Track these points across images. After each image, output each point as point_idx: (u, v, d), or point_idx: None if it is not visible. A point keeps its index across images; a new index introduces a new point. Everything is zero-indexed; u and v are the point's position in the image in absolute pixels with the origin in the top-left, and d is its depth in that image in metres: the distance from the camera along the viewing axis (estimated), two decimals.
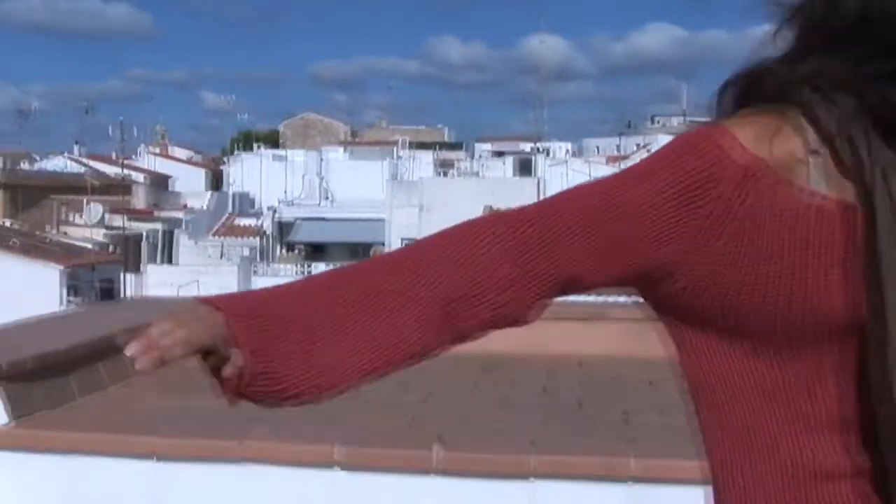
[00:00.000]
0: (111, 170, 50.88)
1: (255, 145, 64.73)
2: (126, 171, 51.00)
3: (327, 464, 3.30)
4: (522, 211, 1.15)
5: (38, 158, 61.19)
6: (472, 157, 60.24)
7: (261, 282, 40.44)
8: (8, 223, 38.99)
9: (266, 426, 3.21)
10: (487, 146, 61.79)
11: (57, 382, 3.89)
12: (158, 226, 42.89)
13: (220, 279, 37.81)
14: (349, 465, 3.32)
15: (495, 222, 1.13)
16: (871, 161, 1.05)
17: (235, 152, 64.81)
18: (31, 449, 3.45)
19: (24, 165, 56.86)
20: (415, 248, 1.17)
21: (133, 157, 65.90)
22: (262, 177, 54.95)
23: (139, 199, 46.91)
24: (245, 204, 51.79)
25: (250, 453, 3.27)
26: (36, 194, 45.75)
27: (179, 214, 45.48)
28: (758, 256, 1.08)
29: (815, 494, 1.11)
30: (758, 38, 1.15)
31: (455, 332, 1.11)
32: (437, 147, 65.35)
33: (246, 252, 43.09)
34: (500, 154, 58.84)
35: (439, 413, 4.36)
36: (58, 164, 56.49)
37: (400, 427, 3.95)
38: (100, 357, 4.16)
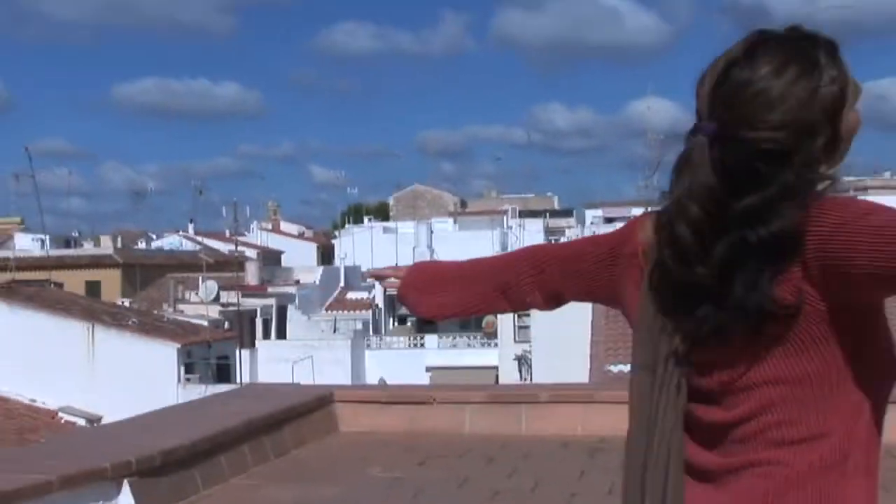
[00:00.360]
0: (224, 246, 51.52)
1: (365, 218, 64.93)
2: (238, 248, 51.66)
3: None
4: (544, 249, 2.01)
5: (154, 237, 62.54)
6: (582, 223, 59.39)
7: (373, 356, 40.18)
8: (126, 302, 39.46)
9: None
10: (598, 212, 60.82)
11: (182, 476, 4.12)
12: (271, 301, 42.97)
13: (333, 353, 37.63)
14: None
15: (533, 253, 1.99)
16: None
17: (346, 225, 65.10)
18: None
19: (141, 244, 58.09)
20: (497, 257, 2.14)
21: (245, 233, 66.92)
22: (372, 249, 54.98)
23: (252, 275, 47.20)
24: (355, 277, 51.81)
25: None
26: (152, 273, 46.50)
27: (291, 289, 45.59)
28: None
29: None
30: None
31: (508, 302, 1.98)
32: (547, 214, 64.74)
33: (358, 326, 42.83)
34: (610, 220, 57.85)
35: (547, 500, 4.54)
36: (173, 242, 57.62)
37: None
38: (221, 449, 4.44)
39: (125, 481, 3.75)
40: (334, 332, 41.79)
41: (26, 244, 46.11)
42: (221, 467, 4.48)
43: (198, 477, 4.28)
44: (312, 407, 5.70)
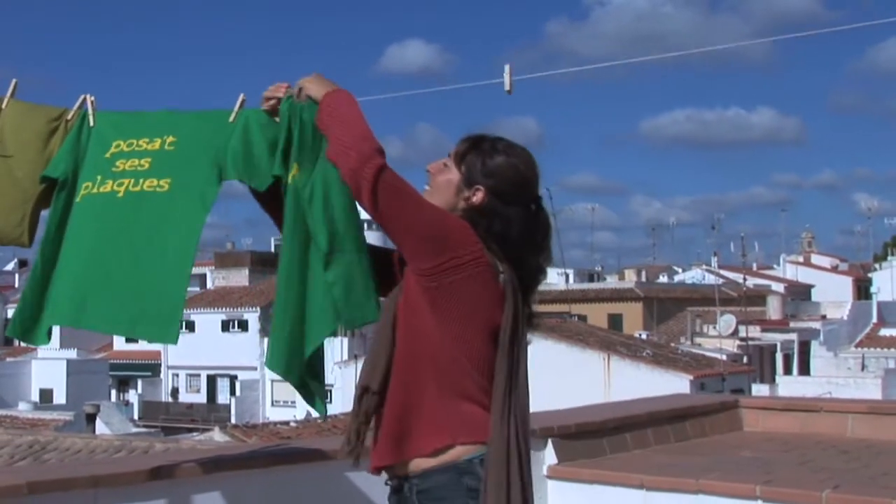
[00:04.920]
0: (749, 280, 50.61)
1: None
2: (762, 282, 50.44)
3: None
4: None
5: (679, 270, 63.29)
6: None
7: None
8: (644, 335, 40.37)
9: (715, 473, 4.85)
10: None
11: (592, 442, 5.36)
12: (793, 336, 41.40)
13: (860, 391, 35.28)
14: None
15: None
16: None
17: (889, 258, 60.60)
18: (571, 479, 5.05)
19: (663, 278, 59.06)
20: None
21: (775, 266, 65.13)
22: None
23: (774, 310, 45.86)
24: (892, 313, 48.08)
25: (703, 487, 4.68)
26: (672, 306, 47.09)
27: (816, 324, 43.56)
28: None
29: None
30: None
31: None
32: None
33: (890, 364, 39.70)
34: None
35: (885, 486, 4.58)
36: (695, 275, 57.84)
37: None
38: (627, 429, 5.58)
39: (549, 440, 5.10)
40: (862, 369, 39.12)
41: (552, 278, 49.20)
42: (626, 442, 5.51)
43: (605, 445, 5.39)
44: (716, 409, 6.41)
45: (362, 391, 2.57)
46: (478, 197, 2.56)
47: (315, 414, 4.35)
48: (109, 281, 2.97)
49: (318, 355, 2.86)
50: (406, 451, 2.51)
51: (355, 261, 2.74)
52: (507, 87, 3.03)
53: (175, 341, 3.00)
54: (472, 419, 2.49)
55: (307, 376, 2.87)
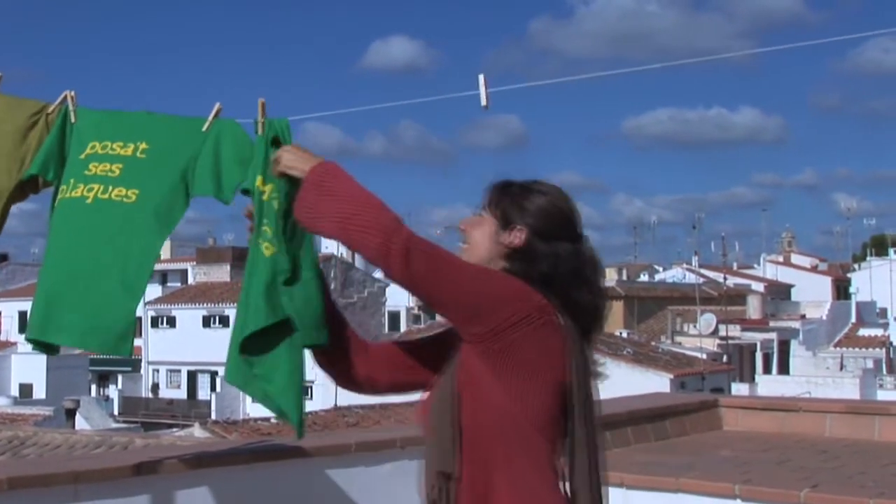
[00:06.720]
0: (730, 279, 50.84)
1: (891, 251, 60.03)
2: (742, 281, 50.69)
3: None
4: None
5: (659, 269, 63.52)
6: None
7: (884, 396, 37.19)
8: (625, 333, 40.50)
9: (695, 472, 4.94)
10: None
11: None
12: (772, 336, 41.64)
13: (839, 391, 35.50)
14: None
15: None
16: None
17: (868, 258, 60.93)
18: None
19: (644, 277, 59.25)
20: None
21: (755, 265, 65.45)
22: (892, 284, 51.05)
23: (754, 309, 46.09)
24: (870, 313, 48.41)
25: (683, 486, 4.75)
26: (652, 305, 47.25)
27: (795, 324, 43.82)
28: None
29: None
30: None
31: None
32: None
33: (869, 364, 39.99)
34: None
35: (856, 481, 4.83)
36: (675, 275, 58.05)
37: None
38: (609, 427, 5.52)
39: None
40: (841, 369, 39.39)
41: None
42: (606, 440, 5.78)
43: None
44: (696, 408, 6.43)
45: (441, 478, 2.32)
46: (518, 238, 2.39)
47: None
48: (70, 291, 2.97)
49: (295, 372, 2.73)
50: None
51: (314, 278, 2.69)
52: (483, 103, 2.74)
53: (129, 353, 3.01)
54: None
55: (276, 390, 2.75)
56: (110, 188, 3.02)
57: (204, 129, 3.03)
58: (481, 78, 2.77)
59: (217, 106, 3.06)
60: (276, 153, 2.56)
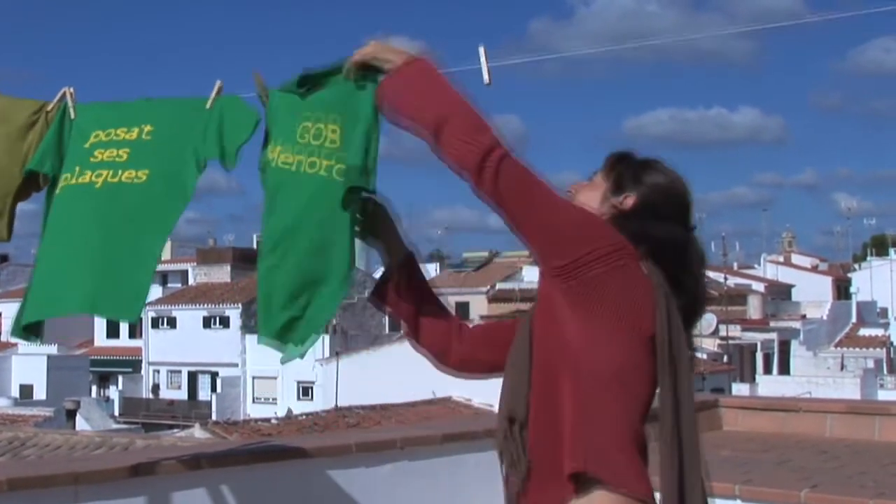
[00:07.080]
0: (731, 280, 50.81)
1: (892, 251, 59.96)
2: (743, 281, 50.65)
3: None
4: None
5: None
6: None
7: (885, 396, 37.20)
8: None
9: None
10: None
11: None
12: (773, 336, 41.64)
13: (840, 391, 35.52)
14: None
15: None
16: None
17: (868, 258, 60.93)
18: None
19: None
20: None
21: (756, 265, 65.40)
22: (893, 284, 51.06)
23: (754, 309, 46.08)
24: (871, 314, 48.42)
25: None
26: None
27: (796, 324, 43.83)
28: None
29: None
30: None
31: None
32: None
33: (869, 364, 40.01)
34: None
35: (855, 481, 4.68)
36: None
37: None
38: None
39: None
40: (841, 369, 39.40)
41: (534, 276, 49.27)
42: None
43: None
44: (696, 408, 6.33)
45: (509, 422, 2.21)
46: (628, 202, 2.28)
47: (294, 411, 4.33)
48: (76, 268, 2.96)
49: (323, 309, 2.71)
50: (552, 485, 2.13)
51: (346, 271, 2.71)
52: (485, 79, 2.48)
53: (134, 319, 3.02)
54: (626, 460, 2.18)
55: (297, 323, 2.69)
56: (120, 172, 3.01)
57: (207, 106, 3.03)
58: (482, 50, 2.49)
59: (218, 83, 3.06)
60: (360, 51, 2.48)
